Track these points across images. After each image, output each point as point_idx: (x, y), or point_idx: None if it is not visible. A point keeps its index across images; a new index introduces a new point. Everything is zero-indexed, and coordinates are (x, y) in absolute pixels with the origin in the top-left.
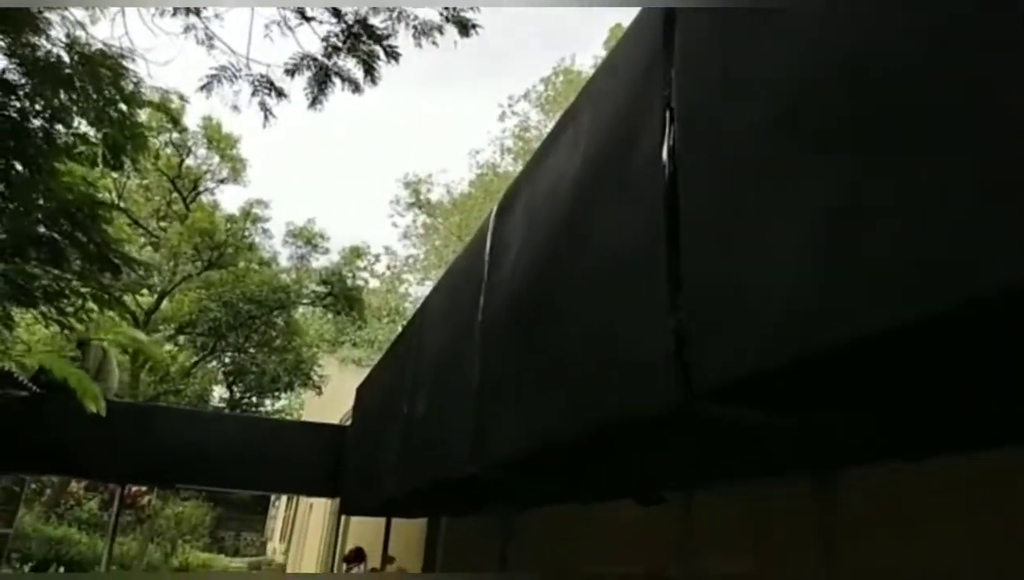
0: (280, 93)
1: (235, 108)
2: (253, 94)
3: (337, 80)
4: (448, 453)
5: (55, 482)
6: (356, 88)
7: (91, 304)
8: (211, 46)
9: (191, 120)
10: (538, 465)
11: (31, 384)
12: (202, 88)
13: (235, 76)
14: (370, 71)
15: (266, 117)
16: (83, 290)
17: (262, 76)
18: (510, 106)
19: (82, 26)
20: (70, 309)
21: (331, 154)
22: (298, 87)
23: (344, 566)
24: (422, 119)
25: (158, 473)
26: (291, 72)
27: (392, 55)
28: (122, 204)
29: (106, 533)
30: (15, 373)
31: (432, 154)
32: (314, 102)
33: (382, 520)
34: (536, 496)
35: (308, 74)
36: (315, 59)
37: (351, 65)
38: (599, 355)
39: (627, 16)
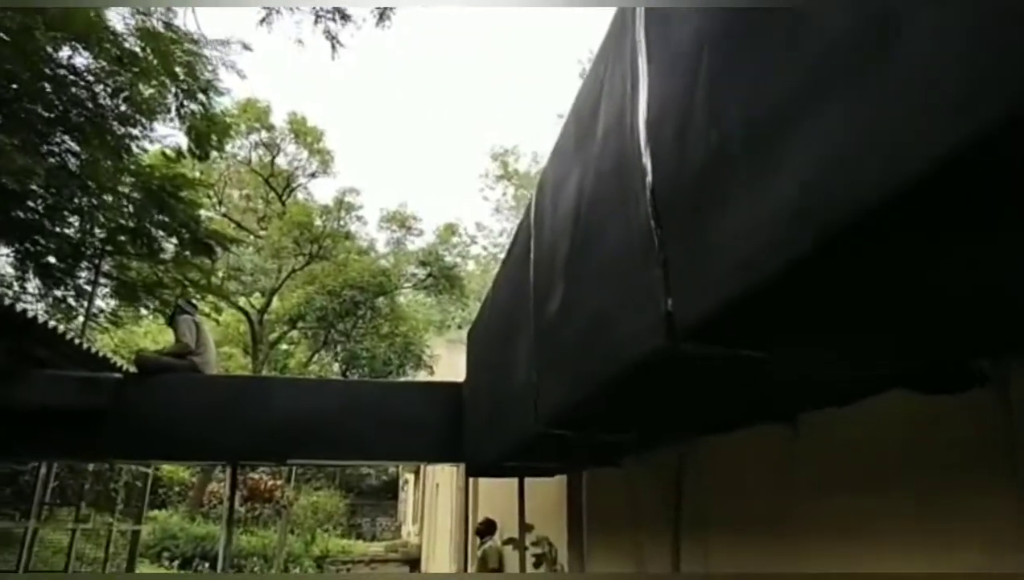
0: (344, 16)
1: (299, 42)
2: (316, 21)
3: None
4: (527, 410)
5: (194, 483)
6: None
7: (191, 290)
8: None
9: (277, 118)
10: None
11: (130, 368)
12: (262, 21)
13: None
14: None
15: (333, 47)
16: (179, 277)
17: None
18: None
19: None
20: (169, 297)
21: (416, 134)
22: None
23: (478, 540)
24: (504, 85)
25: (270, 450)
26: None
27: None
28: (222, 208)
29: (246, 527)
30: (111, 359)
31: (517, 122)
32: (382, 17)
33: (514, 487)
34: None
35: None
36: None
37: None
38: (617, 320)
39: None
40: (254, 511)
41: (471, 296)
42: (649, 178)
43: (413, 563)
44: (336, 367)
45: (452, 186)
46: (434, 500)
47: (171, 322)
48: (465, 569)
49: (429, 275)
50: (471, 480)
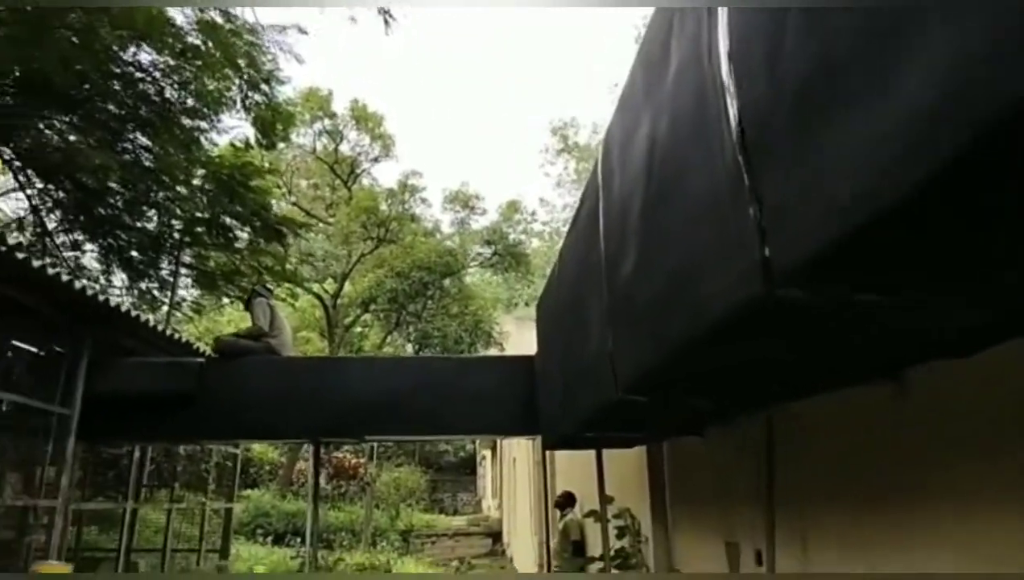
0: None
1: (352, 19)
2: None
3: None
4: (603, 378)
5: (283, 462)
6: None
7: (266, 277)
8: None
9: (338, 105)
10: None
11: (212, 353)
12: None
13: None
14: None
15: (386, 22)
16: (254, 265)
17: None
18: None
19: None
20: (246, 284)
21: (473, 112)
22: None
23: (558, 513)
24: (560, 57)
25: (348, 427)
26: None
27: None
28: (292, 197)
29: (333, 504)
30: (193, 345)
31: (575, 95)
32: None
33: (592, 459)
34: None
35: None
36: None
37: None
38: (701, 273)
39: None
40: (340, 488)
41: (536, 272)
42: (734, 111)
43: (495, 536)
44: (409, 348)
45: (512, 163)
46: (512, 474)
47: (247, 306)
48: (546, 542)
49: (494, 253)
50: (548, 453)
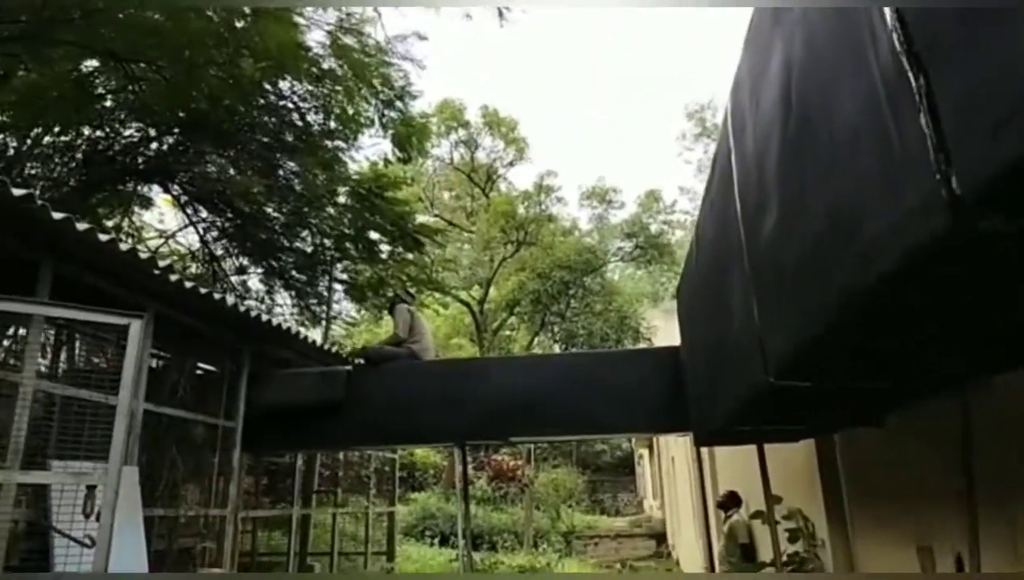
0: None
1: (468, 16)
2: None
3: None
4: (751, 361)
5: (445, 466)
6: None
7: (408, 286)
8: None
9: (471, 113)
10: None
11: (359, 360)
12: None
13: None
14: None
15: (500, 13)
16: (399, 275)
17: None
18: None
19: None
20: (392, 294)
21: (603, 105)
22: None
23: (722, 514)
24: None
25: (494, 429)
26: None
27: None
28: (434, 210)
29: (495, 506)
30: (343, 354)
31: (708, 76)
32: None
33: (753, 455)
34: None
35: None
36: None
37: None
38: (862, 214)
39: None
40: (500, 490)
41: (681, 263)
42: (890, 12)
43: (658, 538)
44: (556, 348)
45: (648, 154)
46: (671, 473)
47: (391, 313)
48: (709, 544)
49: (636, 246)
50: (706, 451)
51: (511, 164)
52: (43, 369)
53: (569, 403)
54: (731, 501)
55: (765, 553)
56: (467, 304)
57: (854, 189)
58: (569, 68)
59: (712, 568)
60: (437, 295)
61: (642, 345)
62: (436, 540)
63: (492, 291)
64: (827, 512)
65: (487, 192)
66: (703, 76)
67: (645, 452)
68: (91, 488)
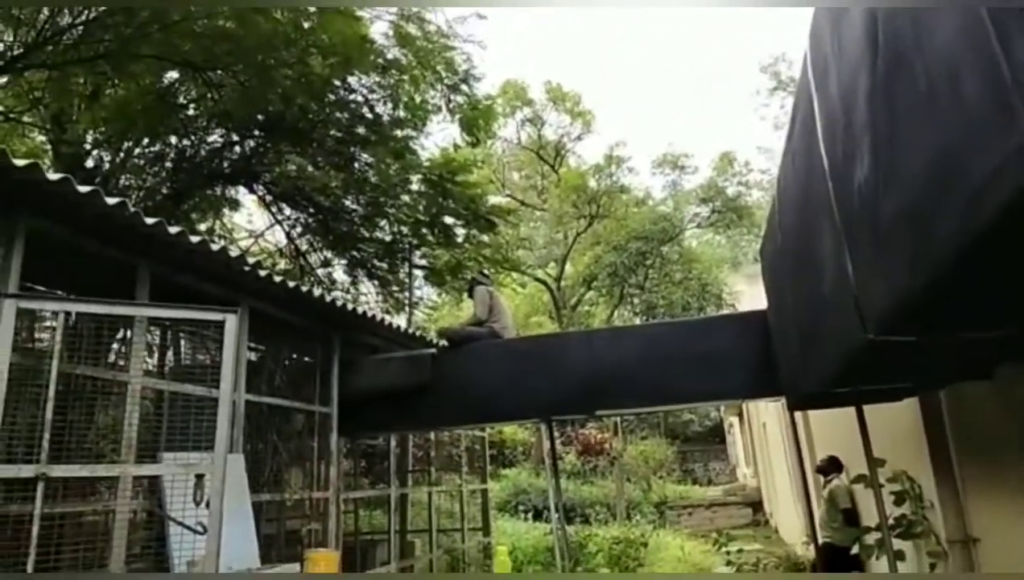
0: None
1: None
2: None
3: None
4: (846, 317)
5: (533, 442)
6: None
7: (485, 267)
8: None
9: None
10: None
11: (443, 342)
12: None
13: None
14: None
15: None
16: (475, 257)
17: None
18: None
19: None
20: (469, 276)
21: (667, 68)
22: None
23: (821, 479)
24: None
25: (578, 403)
26: None
27: None
28: (506, 191)
29: (585, 479)
30: (427, 336)
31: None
32: None
33: (852, 417)
34: None
35: None
36: None
37: None
38: (977, 142)
39: None
40: (589, 463)
41: (762, 224)
42: None
43: (754, 506)
44: (637, 320)
45: (719, 114)
46: (763, 440)
47: (470, 295)
48: (809, 510)
49: (713, 211)
50: (800, 415)
51: (579, 138)
52: (152, 368)
53: (653, 374)
54: (830, 466)
55: (869, 518)
56: (544, 282)
57: (958, 126)
58: (628, 32)
59: (813, 534)
60: (514, 275)
61: (725, 312)
62: (529, 514)
63: (568, 267)
64: (935, 473)
65: (557, 168)
66: (773, 27)
67: (735, 420)
68: (200, 477)
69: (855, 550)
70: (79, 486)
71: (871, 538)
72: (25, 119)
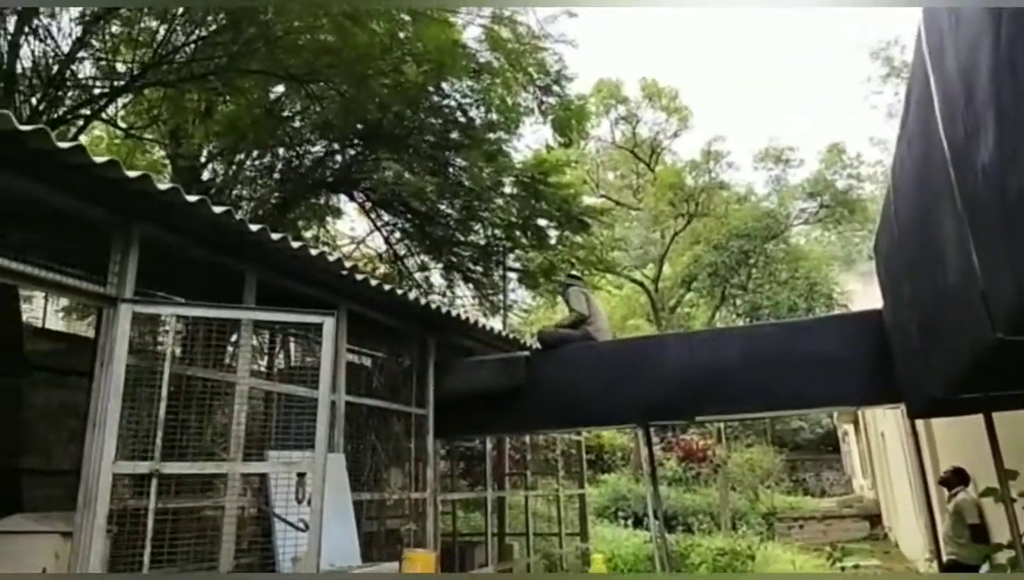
0: None
1: None
2: None
3: None
4: (972, 315)
5: (632, 447)
6: None
7: (577, 268)
8: None
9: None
10: None
11: (536, 345)
12: None
13: None
14: None
15: None
16: (569, 258)
17: None
18: None
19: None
20: (562, 278)
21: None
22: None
23: (945, 492)
24: None
25: (676, 408)
26: None
27: None
28: (600, 191)
29: (687, 487)
30: (521, 339)
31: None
32: None
33: (979, 425)
34: None
35: None
36: None
37: None
38: None
39: None
40: (691, 470)
41: (875, 219)
42: None
43: (872, 519)
44: (740, 322)
45: (825, 105)
46: (881, 449)
47: (563, 296)
48: (932, 524)
49: (821, 206)
50: (921, 423)
51: (675, 135)
52: (262, 369)
53: (757, 378)
54: (956, 478)
55: (1000, 534)
56: (641, 283)
57: None
58: (725, 23)
59: (937, 550)
60: (609, 277)
61: (836, 312)
62: (629, 521)
63: (666, 268)
64: None
65: (652, 166)
66: (884, 11)
67: (850, 427)
68: (301, 476)
69: (984, 568)
70: (195, 483)
71: (1003, 556)
72: (146, 135)
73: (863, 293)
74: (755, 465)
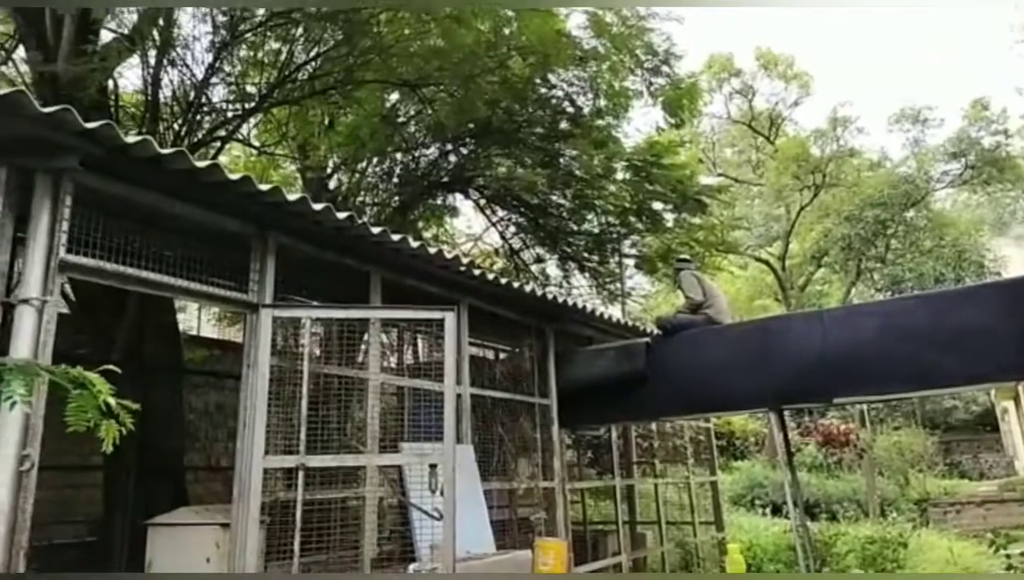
0: None
1: None
2: None
3: None
4: None
5: (766, 433)
6: None
7: (689, 250)
8: None
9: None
10: None
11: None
12: None
13: None
14: None
15: None
16: (687, 241)
17: None
18: None
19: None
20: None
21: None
22: None
23: None
24: None
25: (811, 391)
26: None
27: None
28: (717, 169)
29: (830, 473)
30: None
31: None
32: None
33: None
34: None
35: None
36: None
37: None
38: None
39: None
40: (833, 455)
41: None
42: None
43: None
44: (879, 297)
45: (963, 58)
46: None
47: (676, 282)
48: None
49: (966, 167)
50: None
51: (795, 104)
52: (393, 365)
53: (900, 355)
54: None
55: None
56: (767, 262)
57: None
58: None
59: None
60: (732, 257)
61: (989, 281)
62: (767, 509)
63: (793, 244)
64: None
65: (772, 139)
66: None
67: (1010, 404)
68: (433, 467)
69: None
70: (338, 475)
71: None
72: (277, 151)
73: (1019, 258)
74: (904, 448)
